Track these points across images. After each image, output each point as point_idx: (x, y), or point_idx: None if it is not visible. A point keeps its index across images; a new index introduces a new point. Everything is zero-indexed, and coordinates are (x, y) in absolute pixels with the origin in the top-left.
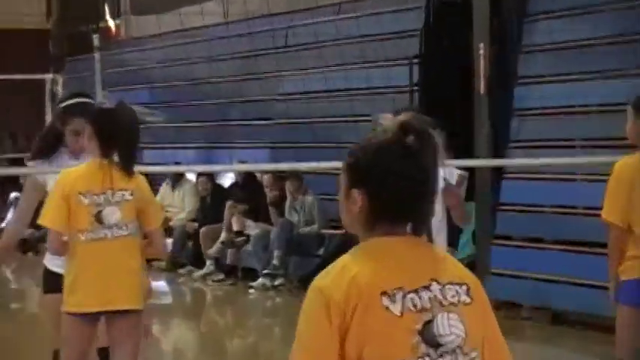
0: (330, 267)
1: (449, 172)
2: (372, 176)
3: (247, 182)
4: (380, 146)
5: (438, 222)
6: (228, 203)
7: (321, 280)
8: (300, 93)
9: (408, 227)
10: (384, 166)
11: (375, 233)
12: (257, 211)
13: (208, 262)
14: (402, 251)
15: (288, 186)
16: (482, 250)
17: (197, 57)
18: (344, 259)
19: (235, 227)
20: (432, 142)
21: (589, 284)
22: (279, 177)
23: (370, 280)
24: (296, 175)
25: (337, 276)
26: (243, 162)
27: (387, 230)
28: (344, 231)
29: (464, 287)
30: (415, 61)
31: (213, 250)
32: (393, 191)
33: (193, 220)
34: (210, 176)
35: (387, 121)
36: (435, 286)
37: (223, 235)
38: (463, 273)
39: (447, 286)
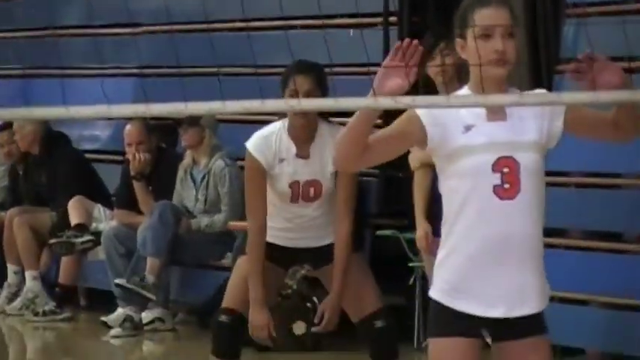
0: None
1: None
2: None
3: None
4: None
5: None
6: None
7: None
8: None
9: None
10: None
11: None
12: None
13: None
14: None
15: (187, 138)
16: None
17: None
18: None
19: (75, 218)
20: None
21: None
22: (155, 127)
23: None
24: (195, 121)
25: None
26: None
27: None
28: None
29: None
30: None
31: (32, 259)
32: None
33: None
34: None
35: None
36: None
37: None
38: None
39: None
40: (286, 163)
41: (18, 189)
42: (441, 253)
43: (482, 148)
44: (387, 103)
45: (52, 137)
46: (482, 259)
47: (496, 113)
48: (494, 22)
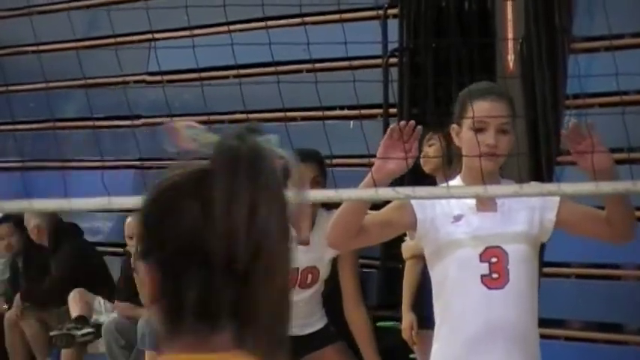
0: None
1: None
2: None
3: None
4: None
5: None
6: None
7: None
8: (189, 70)
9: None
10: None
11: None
12: (110, 284)
13: None
14: None
15: None
16: None
17: None
18: None
19: (75, 310)
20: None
21: None
22: None
23: None
24: None
25: None
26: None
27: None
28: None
29: None
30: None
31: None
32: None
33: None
34: (20, 222)
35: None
36: None
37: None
38: None
39: None
40: None
41: (18, 282)
42: (435, 345)
43: (470, 238)
44: (387, 193)
45: (62, 229)
46: (473, 348)
47: (486, 204)
48: (489, 116)
